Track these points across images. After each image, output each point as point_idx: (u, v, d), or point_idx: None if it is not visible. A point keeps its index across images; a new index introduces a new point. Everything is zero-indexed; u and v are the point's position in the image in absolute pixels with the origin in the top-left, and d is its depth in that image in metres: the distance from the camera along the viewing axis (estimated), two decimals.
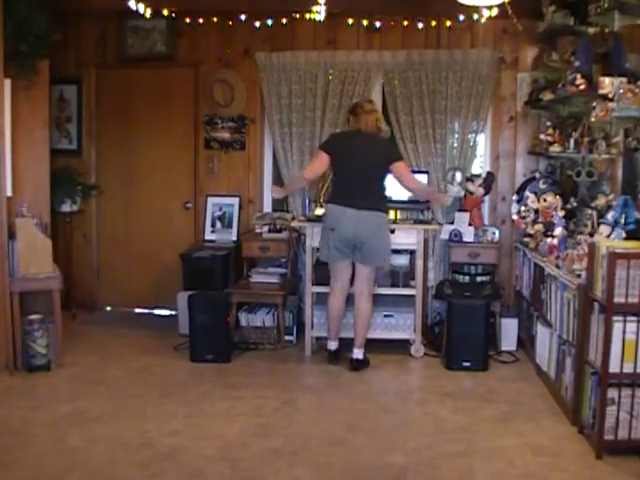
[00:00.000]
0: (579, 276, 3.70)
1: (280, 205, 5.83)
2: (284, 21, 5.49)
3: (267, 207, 5.92)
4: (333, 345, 4.74)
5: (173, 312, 5.76)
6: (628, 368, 3.24)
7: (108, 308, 6.23)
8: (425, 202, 5.35)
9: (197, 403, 4.01)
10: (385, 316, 5.05)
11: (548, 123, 5.02)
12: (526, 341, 4.99)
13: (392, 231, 4.82)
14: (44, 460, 3.23)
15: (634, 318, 3.23)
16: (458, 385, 4.42)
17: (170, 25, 5.76)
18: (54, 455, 3.28)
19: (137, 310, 6.17)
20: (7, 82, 4.37)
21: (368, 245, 4.45)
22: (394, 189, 4.81)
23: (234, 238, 5.71)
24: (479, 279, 5.25)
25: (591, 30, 4.37)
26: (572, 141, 4.47)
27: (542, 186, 4.93)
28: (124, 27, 5.86)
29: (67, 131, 6.07)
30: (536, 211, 4.75)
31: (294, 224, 5.21)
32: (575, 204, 4.66)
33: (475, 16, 5.00)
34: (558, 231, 4.29)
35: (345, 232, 4.43)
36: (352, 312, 4.72)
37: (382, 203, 4.54)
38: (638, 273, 3.21)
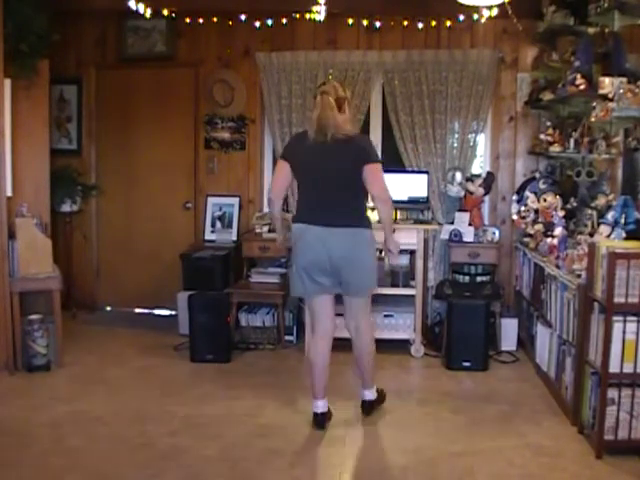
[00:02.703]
0: (579, 276, 3.70)
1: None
2: (284, 21, 5.49)
3: (267, 207, 5.91)
4: (320, 406, 3.66)
5: (173, 312, 5.76)
6: (628, 368, 3.24)
7: (108, 308, 6.22)
8: (425, 202, 5.36)
9: (197, 403, 4.01)
10: (385, 316, 5.05)
11: (548, 123, 5.02)
12: (526, 341, 4.99)
13: (392, 231, 4.80)
14: (44, 460, 3.23)
15: (634, 318, 3.23)
16: (458, 385, 4.42)
17: (170, 25, 5.76)
18: (54, 455, 3.28)
19: (137, 310, 6.16)
20: (7, 82, 4.37)
21: (347, 271, 3.54)
22: (394, 189, 4.75)
23: (234, 238, 5.70)
24: (479, 279, 5.25)
25: (591, 30, 4.37)
26: (572, 141, 4.47)
27: (542, 186, 4.94)
28: (124, 27, 5.86)
29: (67, 131, 6.07)
30: (536, 211, 4.75)
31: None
32: (575, 204, 4.66)
33: (475, 16, 5.01)
34: (558, 231, 4.28)
35: (314, 256, 3.53)
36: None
37: (360, 217, 3.60)
38: (638, 273, 3.21)
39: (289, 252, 5.31)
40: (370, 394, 3.87)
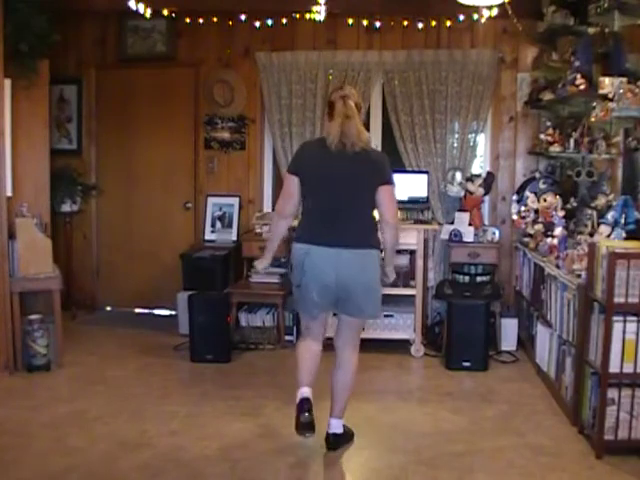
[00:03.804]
0: (579, 276, 3.70)
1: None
2: (284, 21, 5.50)
3: (267, 207, 5.92)
4: (305, 391, 3.33)
5: (173, 312, 5.76)
6: (628, 368, 3.24)
7: (108, 308, 6.22)
8: (425, 202, 5.36)
9: (197, 403, 4.01)
10: (385, 316, 5.04)
11: (548, 123, 5.02)
12: (526, 341, 4.99)
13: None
14: (44, 460, 3.23)
15: (634, 318, 3.23)
16: (458, 385, 4.42)
17: (170, 25, 5.76)
18: (54, 455, 3.28)
19: (137, 310, 6.17)
20: (7, 82, 4.37)
21: (356, 295, 3.28)
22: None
23: (234, 238, 5.70)
24: (479, 279, 5.24)
25: (591, 30, 4.37)
26: (572, 141, 4.47)
27: (542, 186, 4.94)
28: (124, 27, 5.86)
29: (67, 131, 6.07)
30: (536, 211, 4.75)
31: (294, 223, 5.17)
32: (575, 204, 4.66)
33: (475, 16, 5.00)
34: (558, 231, 4.28)
35: (321, 278, 3.26)
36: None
37: (371, 237, 3.35)
38: (638, 273, 3.21)
39: (288, 253, 5.30)
40: (338, 426, 3.43)
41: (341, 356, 3.45)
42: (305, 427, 3.25)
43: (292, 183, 3.37)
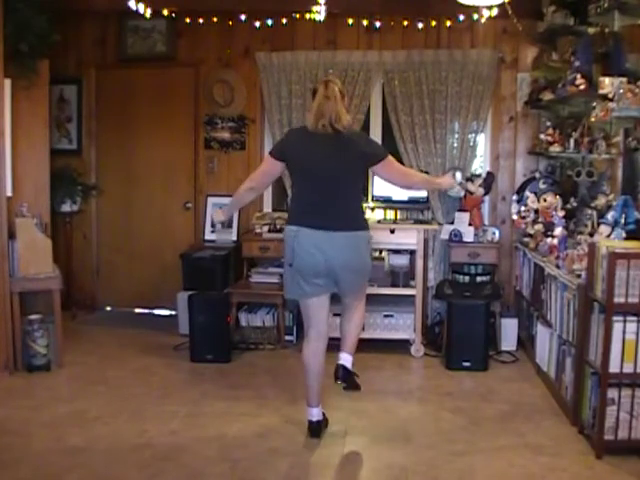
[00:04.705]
0: (579, 276, 3.70)
1: (280, 205, 5.84)
2: (284, 21, 5.50)
3: (267, 207, 5.92)
4: (315, 414, 3.53)
5: (173, 312, 5.76)
6: (628, 368, 3.24)
7: (108, 308, 6.22)
8: (425, 202, 5.36)
9: (197, 403, 4.01)
10: (385, 316, 5.05)
11: (548, 123, 5.02)
12: (526, 341, 4.99)
13: (392, 231, 4.81)
14: (44, 460, 3.23)
15: (634, 318, 3.23)
16: (458, 385, 4.42)
17: (170, 25, 5.76)
18: (54, 455, 3.28)
19: (137, 310, 6.17)
20: (7, 82, 4.37)
21: (344, 274, 3.41)
22: (394, 189, 4.74)
23: (234, 238, 5.70)
24: (479, 279, 5.24)
25: (591, 30, 4.37)
26: (572, 141, 4.47)
27: (542, 186, 4.94)
28: (124, 27, 5.86)
29: (67, 131, 6.07)
30: (536, 211, 4.75)
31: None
32: (575, 204, 4.66)
33: (475, 16, 5.00)
34: (558, 231, 4.28)
35: (310, 260, 3.37)
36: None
37: (359, 219, 3.47)
38: (638, 273, 3.21)
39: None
40: (348, 359, 3.55)
41: (348, 312, 3.63)
42: (315, 435, 3.53)
43: (272, 166, 3.50)
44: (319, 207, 3.37)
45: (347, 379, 3.54)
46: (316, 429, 3.52)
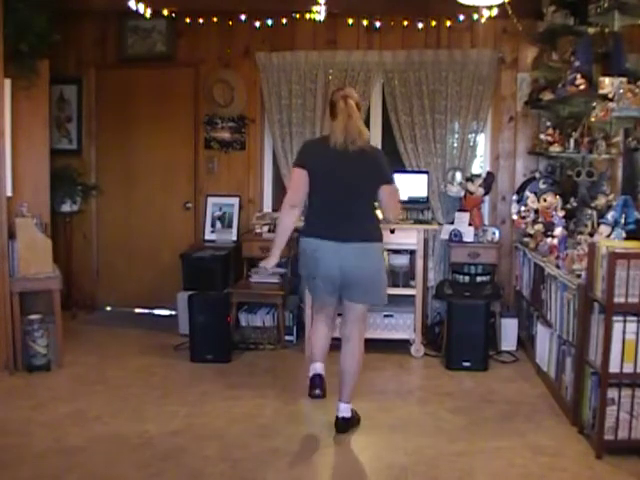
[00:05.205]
0: (579, 276, 3.70)
1: (280, 205, 5.83)
2: (284, 21, 5.50)
3: (267, 207, 5.92)
4: (318, 367, 3.55)
5: (173, 312, 5.76)
6: (628, 368, 3.24)
7: (108, 308, 6.22)
8: (425, 202, 5.36)
9: (197, 403, 4.01)
10: (385, 316, 5.05)
11: (548, 123, 5.02)
12: (526, 341, 4.99)
13: (392, 231, 4.81)
14: (44, 460, 3.23)
15: (634, 318, 3.23)
16: (458, 385, 4.42)
17: (170, 25, 5.76)
18: (54, 455, 3.28)
19: (137, 310, 6.16)
20: (7, 82, 4.37)
21: (359, 284, 3.52)
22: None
23: (234, 238, 5.70)
24: (479, 279, 5.25)
25: (591, 30, 4.37)
26: (572, 141, 4.47)
27: (542, 186, 4.94)
28: (124, 27, 5.86)
29: (67, 131, 6.07)
30: (536, 211, 4.75)
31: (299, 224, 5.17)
32: (575, 204, 4.66)
33: (475, 16, 5.01)
34: (558, 231, 4.28)
35: (327, 270, 3.47)
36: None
37: (376, 230, 3.57)
38: (638, 273, 3.21)
39: (289, 252, 5.33)
40: (346, 410, 3.60)
41: (348, 344, 3.62)
42: (316, 398, 3.50)
43: (301, 176, 3.51)
44: (337, 217, 3.47)
45: (348, 429, 3.61)
46: (318, 383, 3.51)
